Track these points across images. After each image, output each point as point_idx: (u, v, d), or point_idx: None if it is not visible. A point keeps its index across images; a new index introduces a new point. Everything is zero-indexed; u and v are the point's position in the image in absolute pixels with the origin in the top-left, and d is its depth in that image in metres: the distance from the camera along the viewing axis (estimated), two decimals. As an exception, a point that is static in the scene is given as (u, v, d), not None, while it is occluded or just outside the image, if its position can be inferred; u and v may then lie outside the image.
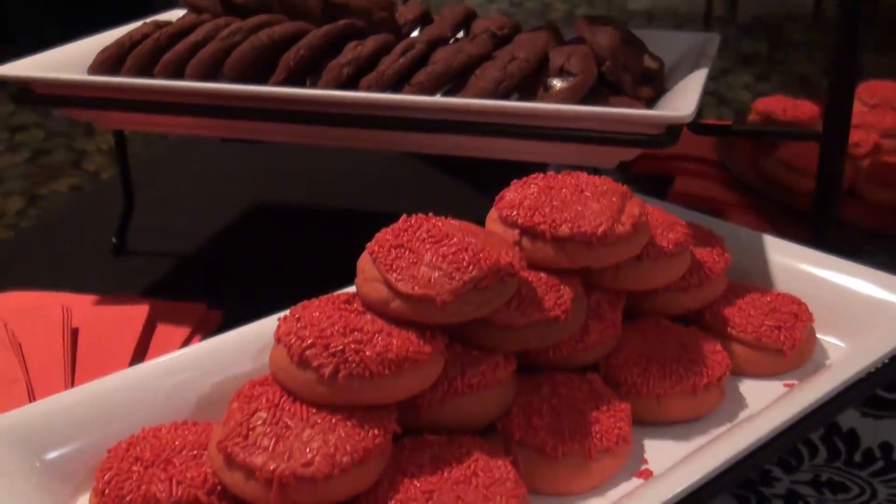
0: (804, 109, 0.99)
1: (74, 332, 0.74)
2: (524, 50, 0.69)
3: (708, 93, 2.96)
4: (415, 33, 0.82)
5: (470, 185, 1.02)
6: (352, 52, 0.70)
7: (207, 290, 0.83)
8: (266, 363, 0.54)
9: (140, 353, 0.74)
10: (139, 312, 0.77)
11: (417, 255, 0.50)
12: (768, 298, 0.62)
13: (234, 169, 1.11)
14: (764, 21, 3.80)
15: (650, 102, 0.71)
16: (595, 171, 0.59)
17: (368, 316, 0.49)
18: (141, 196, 0.95)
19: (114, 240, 0.92)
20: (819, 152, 0.73)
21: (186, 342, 0.75)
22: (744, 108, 2.86)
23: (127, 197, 0.93)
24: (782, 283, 0.65)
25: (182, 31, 0.74)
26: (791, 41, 3.54)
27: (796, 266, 0.65)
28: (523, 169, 0.59)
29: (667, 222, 0.60)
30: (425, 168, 1.07)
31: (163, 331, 0.76)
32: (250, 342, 0.58)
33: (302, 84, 0.71)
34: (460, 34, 0.81)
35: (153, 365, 0.56)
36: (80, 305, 0.78)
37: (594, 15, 0.75)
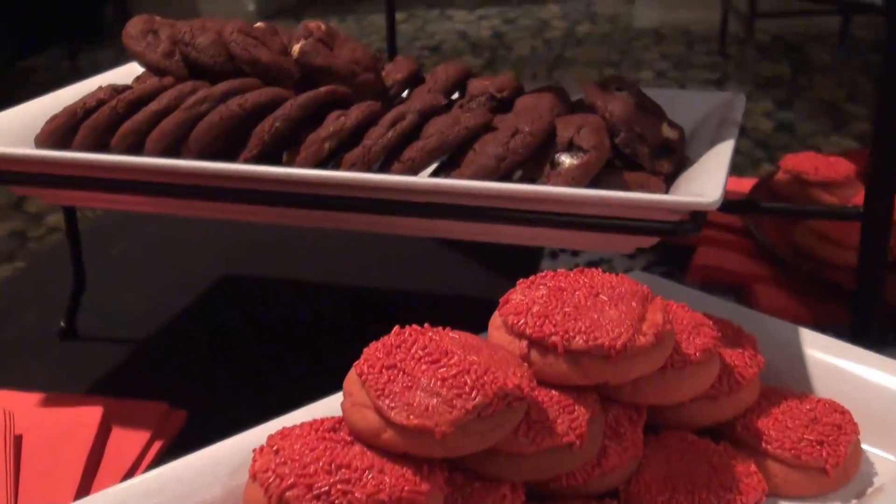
0: (839, 169, 0.99)
1: (18, 440, 0.73)
2: (528, 120, 0.69)
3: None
4: (405, 93, 0.82)
5: (469, 257, 1.02)
6: (334, 123, 0.70)
7: (169, 385, 0.82)
8: (239, 487, 0.53)
9: (93, 464, 0.72)
10: (92, 415, 0.75)
11: (413, 377, 0.49)
12: (807, 406, 0.61)
13: (199, 235, 1.10)
14: (785, 41, 3.84)
15: (670, 177, 0.71)
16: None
17: (357, 448, 0.49)
18: (91, 267, 0.94)
19: (62, 324, 0.91)
20: (861, 230, 0.72)
21: (146, 448, 0.74)
22: (765, 139, 2.88)
23: (77, 275, 0.92)
24: (822, 386, 0.65)
25: (142, 98, 0.73)
26: (816, 63, 3.57)
27: (838, 366, 0.65)
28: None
29: (692, 324, 0.59)
30: (420, 238, 1.07)
31: (119, 436, 0.75)
32: (221, 463, 0.56)
33: (278, 160, 0.71)
34: (455, 94, 0.81)
35: (109, 495, 0.54)
36: (24, 407, 0.77)
37: (606, 77, 0.75)
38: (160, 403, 0.77)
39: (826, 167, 0.99)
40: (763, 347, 0.65)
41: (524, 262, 0.97)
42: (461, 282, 0.97)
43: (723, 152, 0.69)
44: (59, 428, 0.75)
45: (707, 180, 0.64)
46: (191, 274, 1.01)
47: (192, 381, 0.83)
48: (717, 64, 3.58)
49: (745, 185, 1.06)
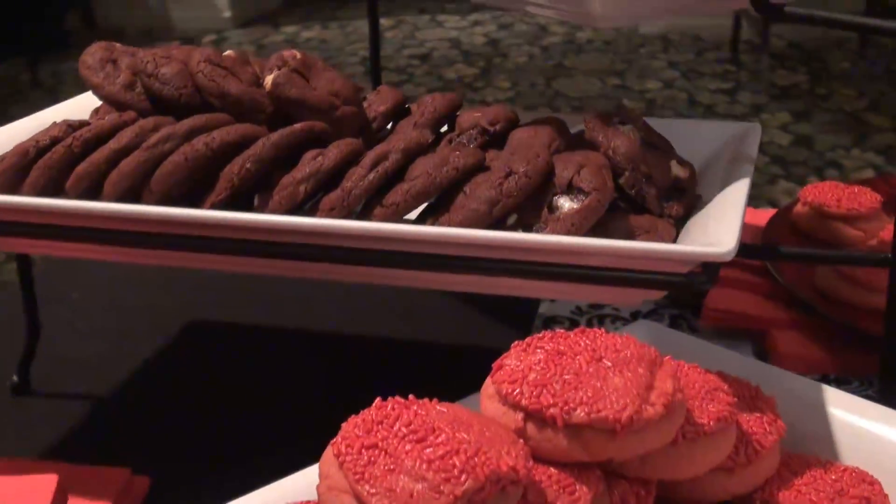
0: (863, 200, 0.98)
1: (-37, 514, 0.72)
2: (524, 159, 0.68)
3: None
4: (389, 125, 0.81)
5: (459, 300, 1.01)
6: (310, 164, 0.69)
7: (131, 447, 0.81)
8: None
9: (47, 539, 0.71)
10: (47, 483, 0.74)
11: (396, 458, 0.47)
12: (833, 476, 0.60)
13: (163, 278, 1.08)
14: (802, 47, 3.85)
15: (680, 220, 0.70)
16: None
17: (334, 538, 0.47)
18: (46, 314, 0.92)
19: (14, 377, 0.89)
20: (890, 274, 0.71)
21: (105, 520, 0.73)
22: (781, 154, 2.88)
23: (31, 323, 0.90)
24: (849, 451, 0.63)
25: (100, 136, 0.72)
26: (835, 72, 3.58)
27: (867, 429, 0.64)
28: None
29: (706, 388, 0.58)
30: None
31: (77, 506, 0.73)
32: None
33: (249, 205, 0.70)
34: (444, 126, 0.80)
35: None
36: (-30, 475, 0.76)
37: (609, 110, 0.74)
38: (121, 469, 0.76)
39: (849, 199, 0.98)
40: (784, 408, 0.64)
41: (520, 305, 0.96)
42: (450, 329, 0.96)
43: (737, 193, 0.68)
44: (9, 498, 0.73)
45: (720, 226, 0.63)
46: (155, 320, 1.00)
47: (155, 443, 0.81)
48: (730, 72, 3.59)
49: (762, 217, 1.05)
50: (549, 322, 0.93)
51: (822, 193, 1.00)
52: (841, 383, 0.83)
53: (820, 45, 3.83)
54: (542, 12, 0.75)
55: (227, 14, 4.22)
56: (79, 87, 0.82)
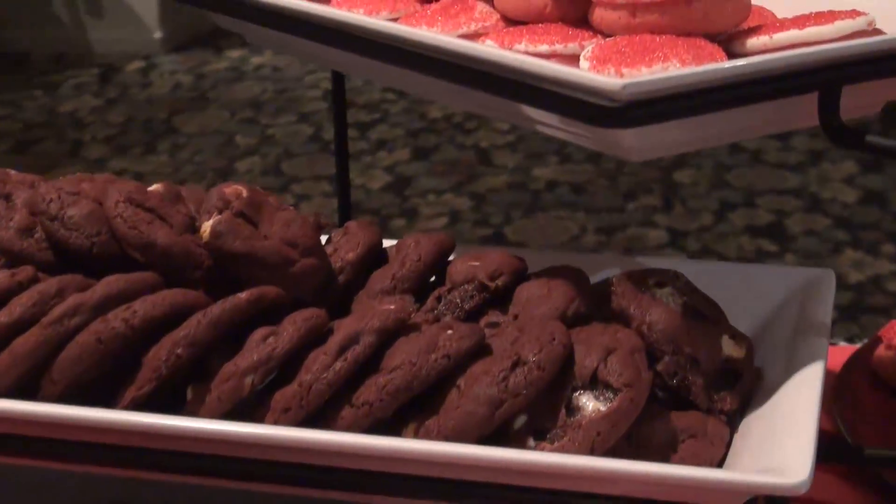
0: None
1: None
2: (535, 342, 0.66)
3: (790, 191, 2.96)
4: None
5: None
6: (259, 349, 0.67)
7: None
8: None
9: None
10: None
11: None
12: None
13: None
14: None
15: (734, 416, 0.68)
16: None
17: None
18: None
19: None
20: None
21: None
22: (846, 214, 2.86)
23: None
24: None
25: (-16, 303, 0.70)
26: (913, 109, 3.59)
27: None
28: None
29: None
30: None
31: None
32: None
33: (181, 400, 0.68)
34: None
35: None
36: None
37: (644, 268, 0.73)
38: None
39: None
40: None
41: None
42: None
43: (809, 389, 0.66)
44: None
45: (788, 443, 0.62)
46: None
47: None
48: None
49: (833, 359, 1.03)
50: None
51: (913, 332, 0.98)
52: None
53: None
54: (558, 135, 0.74)
55: (158, 35, 4.22)
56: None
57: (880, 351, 1.00)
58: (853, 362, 1.02)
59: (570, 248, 2.70)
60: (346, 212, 1.14)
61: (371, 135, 3.41)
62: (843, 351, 1.07)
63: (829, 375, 1.01)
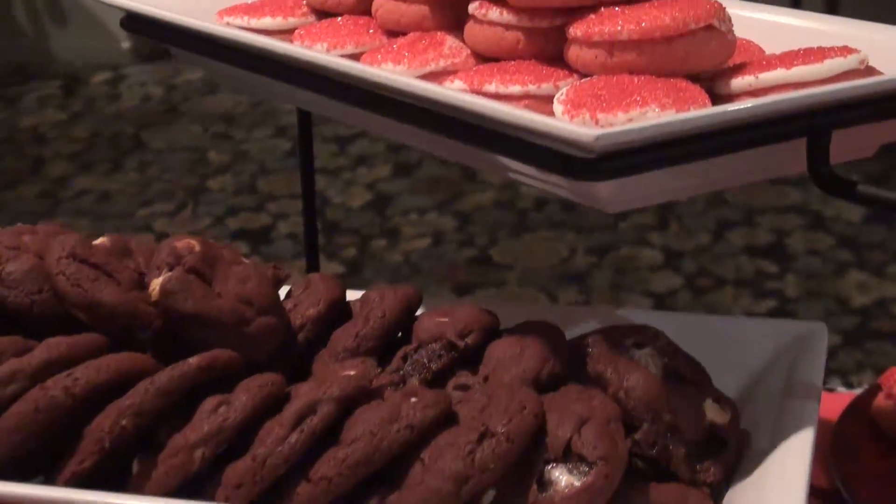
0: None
1: None
2: (504, 411, 0.65)
3: (791, 209, 2.91)
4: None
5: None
6: (209, 419, 0.67)
7: None
8: None
9: None
10: None
11: None
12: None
13: None
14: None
15: (719, 487, 0.68)
16: None
17: None
18: None
19: None
20: None
21: None
22: (851, 233, 2.84)
23: None
24: None
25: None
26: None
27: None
28: None
29: None
30: None
31: None
32: None
33: (125, 474, 0.68)
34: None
35: None
36: None
37: (622, 325, 0.72)
38: None
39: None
40: None
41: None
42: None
43: (798, 453, 0.66)
44: None
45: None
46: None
47: None
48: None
49: (830, 407, 1.03)
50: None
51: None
52: None
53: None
54: (530, 182, 0.74)
55: (126, 44, 4.21)
56: None
57: (880, 400, 1.00)
58: (851, 412, 1.01)
59: (558, 272, 2.69)
60: (314, 260, 1.13)
61: (350, 149, 3.40)
62: (840, 398, 1.06)
63: (825, 425, 1.01)
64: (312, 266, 1.10)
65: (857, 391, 1.05)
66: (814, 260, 2.74)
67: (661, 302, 2.56)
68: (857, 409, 1.01)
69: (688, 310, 2.52)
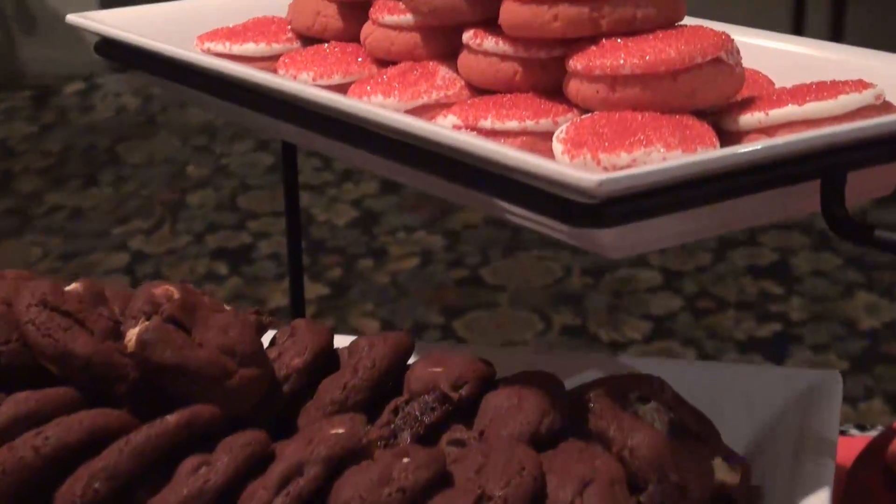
0: None
1: None
2: (501, 472, 0.65)
3: (796, 227, 2.89)
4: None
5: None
6: (189, 481, 0.66)
7: None
8: None
9: None
10: None
11: None
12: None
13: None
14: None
15: None
16: None
17: None
18: None
19: None
20: None
21: None
22: (859, 252, 2.83)
23: None
24: None
25: None
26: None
27: None
28: None
29: None
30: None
31: None
32: None
33: None
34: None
35: None
36: None
37: (624, 374, 0.71)
38: None
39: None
40: None
41: None
42: None
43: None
44: None
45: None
46: None
47: None
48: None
49: (843, 452, 1.02)
50: None
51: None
52: None
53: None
54: (530, 226, 0.73)
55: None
56: None
57: (895, 446, 0.99)
58: (865, 458, 1.00)
59: (552, 294, 2.68)
60: (298, 281, 1.12)
61: (336, 164, 3.39)
62: (853, 443, 1.05)
63: (838, 471, 1.00)
64: (296, 286, 1.09)
65: (871, 433, 1.04)
66: (820, 281, 2.74)
67: (661, 325, 2.55)
68: (872, 456, 1.01)
69: (688, 333, 2.51)
